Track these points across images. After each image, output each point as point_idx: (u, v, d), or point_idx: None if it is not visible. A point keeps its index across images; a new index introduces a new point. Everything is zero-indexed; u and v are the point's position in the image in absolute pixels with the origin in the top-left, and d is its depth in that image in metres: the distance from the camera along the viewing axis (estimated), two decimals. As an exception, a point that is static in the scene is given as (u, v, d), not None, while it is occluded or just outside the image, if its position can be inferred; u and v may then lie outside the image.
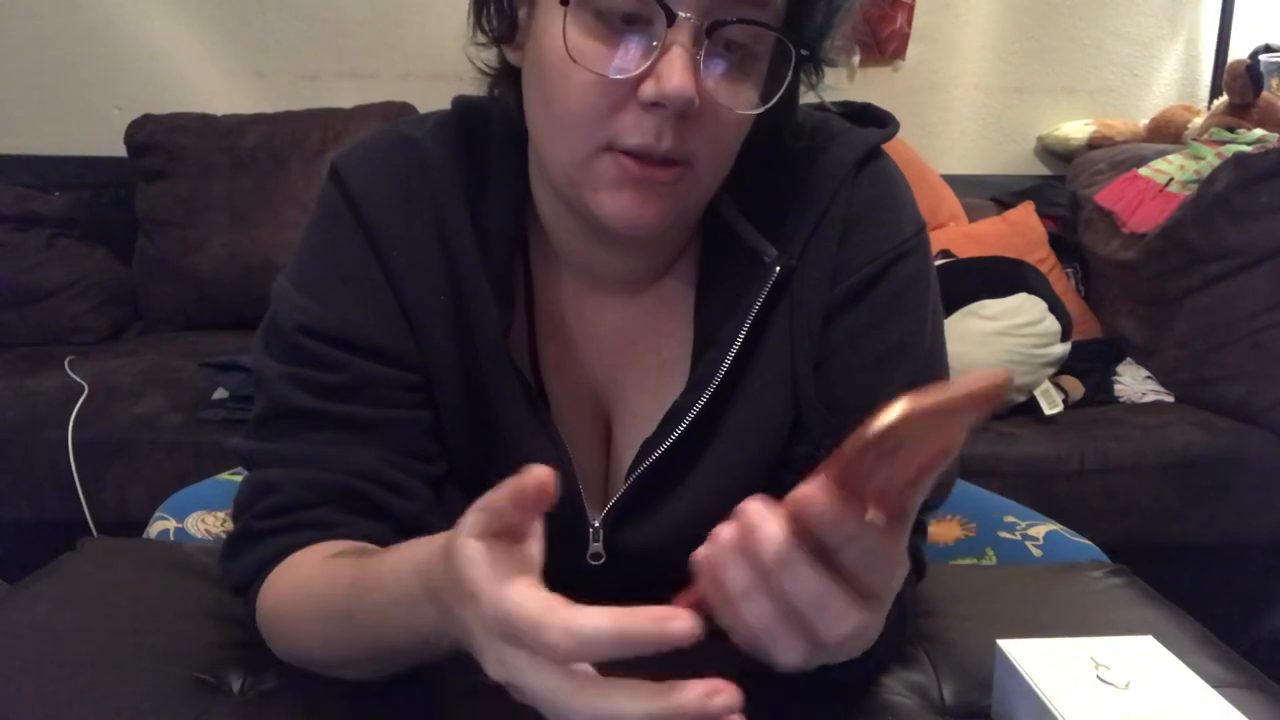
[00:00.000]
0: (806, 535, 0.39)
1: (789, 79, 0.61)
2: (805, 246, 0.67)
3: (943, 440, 0.37)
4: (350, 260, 0.66)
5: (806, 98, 0.67)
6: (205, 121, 2.25)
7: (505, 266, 0.67)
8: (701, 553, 0.42)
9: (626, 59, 0.57)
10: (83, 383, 1.79)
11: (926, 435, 0.36)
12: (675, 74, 0.55)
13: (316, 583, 0.58)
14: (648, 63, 0.56)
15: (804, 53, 0.60)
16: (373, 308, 0.66)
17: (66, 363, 1.89)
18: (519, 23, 0.62)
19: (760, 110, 0.61)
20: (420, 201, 0.67)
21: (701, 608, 0.41)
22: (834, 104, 0.73)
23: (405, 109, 2.27)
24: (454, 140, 0.68)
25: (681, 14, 0.55)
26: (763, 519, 0.40)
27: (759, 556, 0.39)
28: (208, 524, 0.98)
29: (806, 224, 0.67)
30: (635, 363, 0.71)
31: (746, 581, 0.40)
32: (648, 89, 0.56)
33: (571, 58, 0.56)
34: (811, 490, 0.38)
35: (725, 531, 0.41)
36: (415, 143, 0.68)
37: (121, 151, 2.25)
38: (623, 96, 0.57)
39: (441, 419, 0.68)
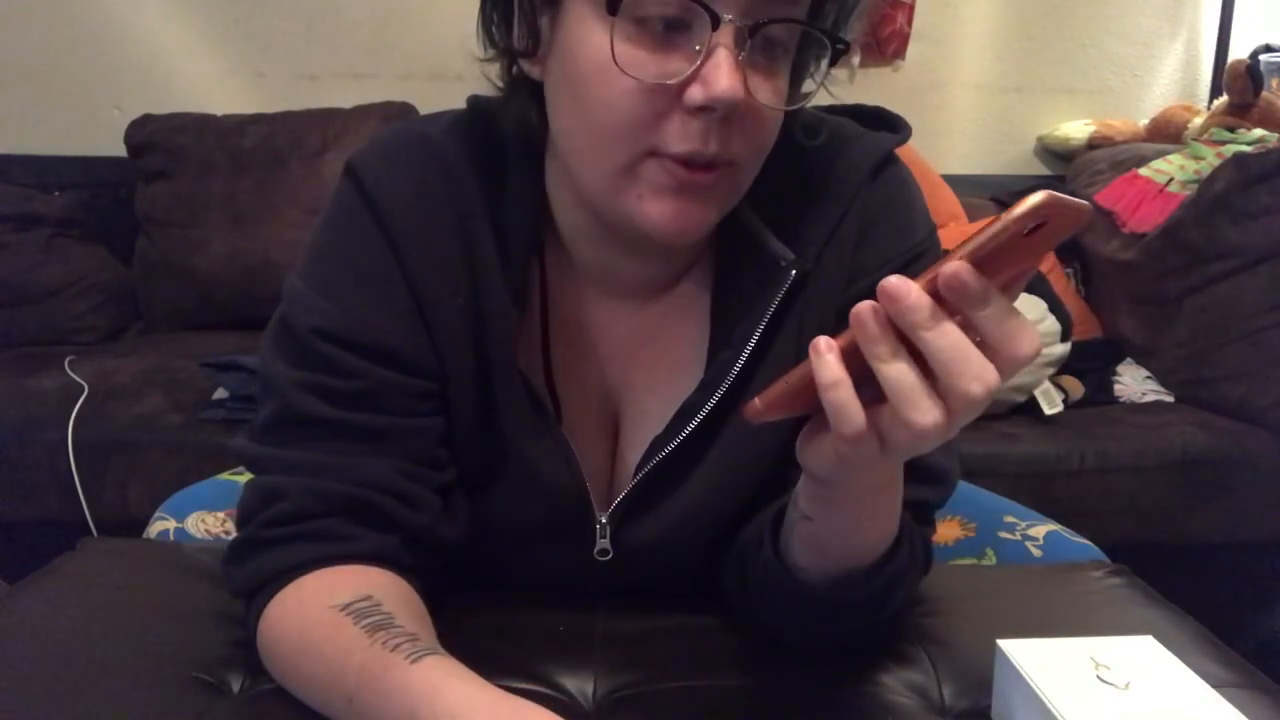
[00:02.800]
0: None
1: (822, 74, 0.62)
2: (822, 250, 0.68)
3: (1036, 253, 0.44)
4: (368, 260, 0.65)
5: (822, 99, 0.68)
6: (205, 121, 2.25)
7: (522, 269, 0.67)
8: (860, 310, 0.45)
9: (671, 65, 0.56)
10: (83, 383, 1.79)
11: (1035, 243, 0.43)
12: (723, 76, 0.55)
13: (325, 648, 0.57)
14: (691, 67, 0.56)
15: (840, 46, 0.60)
16: (391, 310, 0.65)
17: (66, 363, 1.89)
18: (541, 35, 0.62)
19: (797, 106, 0.62)
20: (438, 201, 0.66)
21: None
22: (846, 107, 0.73)
23: (405, 109, 2.27)
24: (471, 140, 0.68)
25: (725, 17, 0.55)
26: (907, 288, 0.43)
27: (909, 316, 0.43)
28: (208, 524, 0.98)
29: (824, 228, 0.68)
30: (646, 364, 0.72)
31: (892, 345, 0.44)
32: (695, 93, 0.56)
33: (620, 67, 0.56)
34: (952, 266, 0.42)
35: (864, 307, 0.44)
36: (432, 141, 0.68)
37: (121, 151, 2.25)
38: (667, 103, 0.57)
39: (452, 422, 0.68)
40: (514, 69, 0.65)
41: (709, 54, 0.56)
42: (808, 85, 0.64)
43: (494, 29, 0.63)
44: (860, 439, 0.46)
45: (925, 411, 0.44)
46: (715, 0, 0.55)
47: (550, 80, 0.63)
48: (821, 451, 0.50)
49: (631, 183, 0.60)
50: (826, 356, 0.45)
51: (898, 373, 0.44)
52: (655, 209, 0.60)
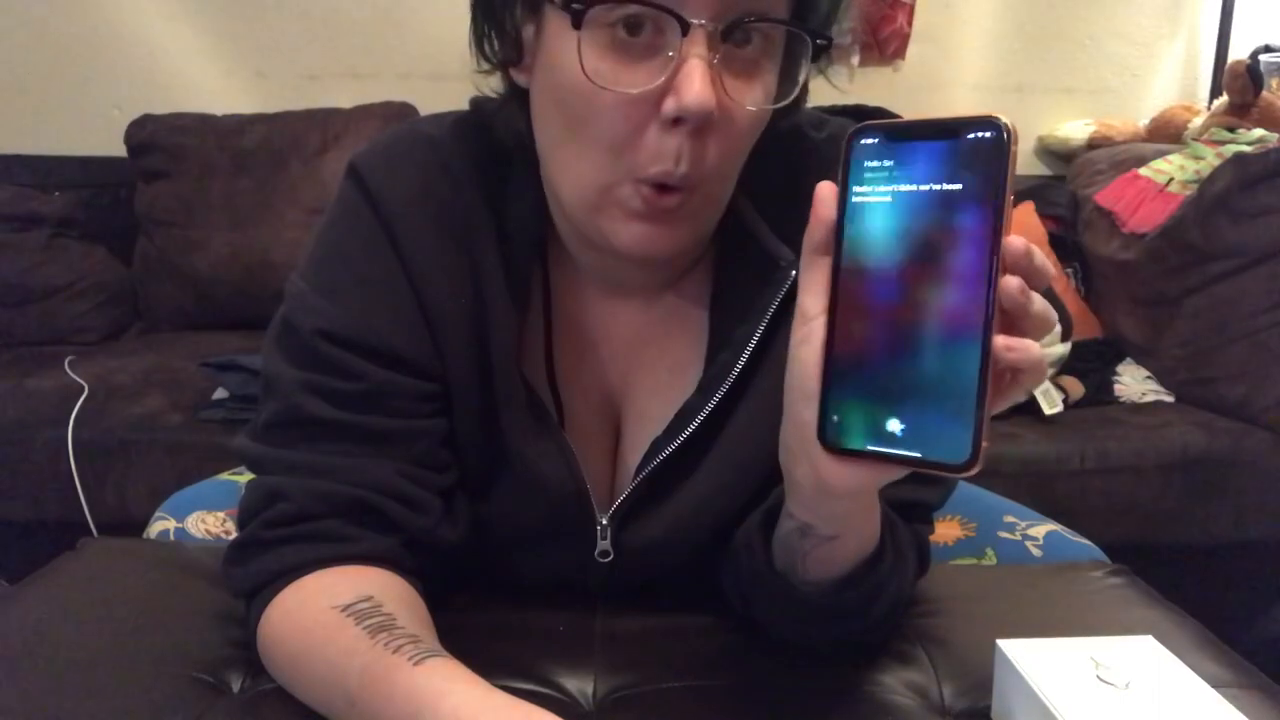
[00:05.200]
0: None
1: (806, 71, 0.61)
2: None
3: None
4: (371, 262, 0.65)
5: (820, 98, 0.67)
6: (205, 121, 2.25)
7: (525, 271, 0.67)
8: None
9: (644, 74, 0.56)
10: (83, 383, 1.79)
11: None
12: (695, 85, 0.55)
13: (326, 649, 0.56)
14: (664, 76, 0.56)
15: (820, 42, 0.59)
16: (394, 311, 0.65)
17: (66, 363, 1.89)
18: (525, 44, 0.61)
19: (779, 105, 0.61)
20: (441, 201, 0.66)
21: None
22: (847, 107, 0.73)
23: (405, 109, 2.27)
24: (474, 142, 0.68)
25: (695, 22, 0.55)
26: (1021, 240, 0.41)
27: (1034, 259, 0.41)
28: (208, 524, 0.98)
29: None
30: (647, 366, 0.72)
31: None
32: (669, 105, 0.56)
33: (590, 80, 0.56)
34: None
35: (1015, 241, 0.42)
36: (436, 142, 0.68)
37: (121, 151, 2.25)
38: (645, 115, 0.57)
39: (454, 424, 0.68)
40: (509, 77, 0.65)
41: (681, 62, 0.55)
42: (793, 83, 0.63)
43: (484, 40, 0.63)
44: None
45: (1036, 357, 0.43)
46: (685, 5, 0.54)
47: (534, 89, 0.63)
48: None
49: (609, 203, 0.60)
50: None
51: (1042, 306, 0.42)
52: (625, 232, 0.60)
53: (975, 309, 0.42)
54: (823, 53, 0.60)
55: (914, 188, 0.43)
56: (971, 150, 0.42)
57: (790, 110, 0.63)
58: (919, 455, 0.43)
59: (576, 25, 0.55)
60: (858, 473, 0.46)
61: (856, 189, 0.45)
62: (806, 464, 0.48)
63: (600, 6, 0.55)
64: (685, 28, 0.55)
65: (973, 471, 0.42)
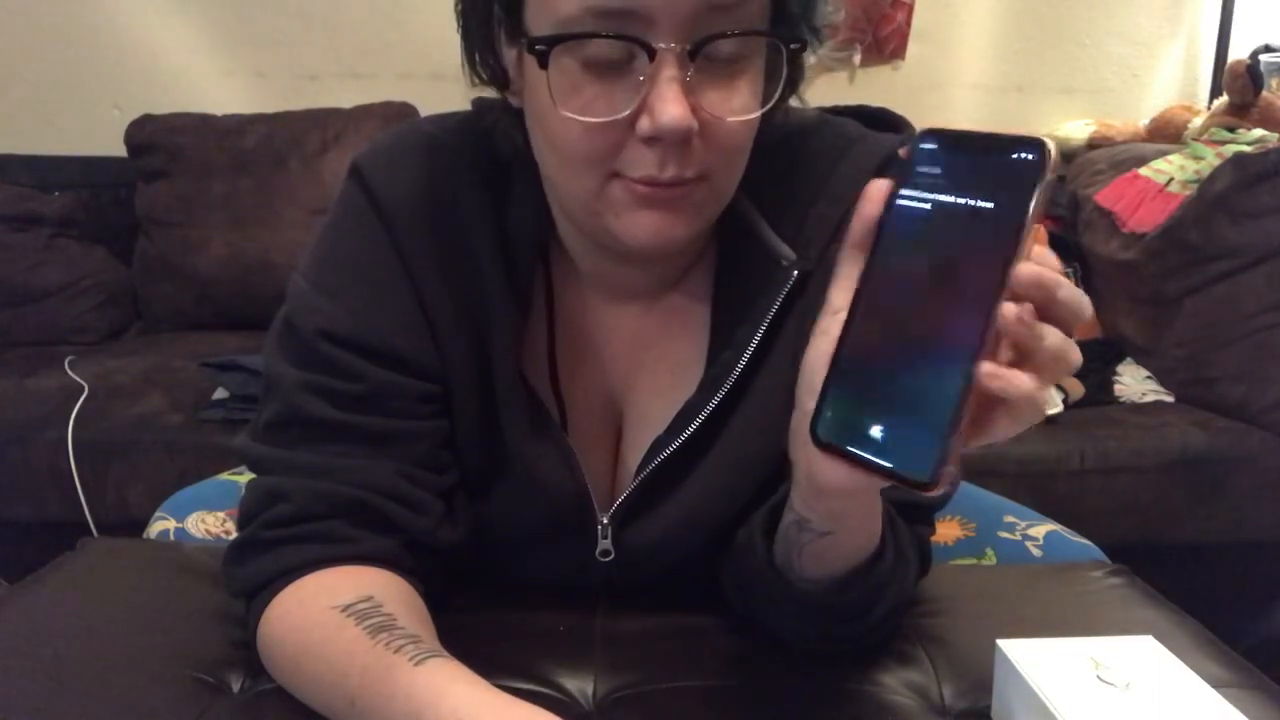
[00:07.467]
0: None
1: (785, 74, 0.61)
2: (824, 250, 0.67)
3: None
4: (373, 262, 0.66)
5: (823, 99, 0.67)
6: (205, 121, 2.25)
7: (527, 275, 0.67)
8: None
9: (617, 100, 0.56)
10: (83, 383, 1.79)
11: None
12: (668, 106, 0.55)
13: (326, 649, 0.57)
14: (639, 98, 0.56)
15: (794, 46, 0.59)
16: (395, 312, 0.65)
17: (66, 363, 1.89)
18: (510, 70, 0.62)
19: (760, 112, 0.60)
20: (444, 204, 0.66)
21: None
22: (849, 107, 0.73)
23: (405, 109, 2.27)
24: (477, 144, 0.68)
25: (661, 46, 0.54)
26: (1047, 270, 0.40)
27: (1057, 293, 0.40)
28: (208, 524, 0.98)
29: (826, 229, 0.67)
30: (648, 367, 0.72)
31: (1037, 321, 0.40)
32: (643, 125, 0.56)
33: (563, 113, 0.56)
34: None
35: (1026, 268, 0.40)
36: (438, 143, 0.68)
37: (121, 151, 2.26)
38: (621, 134, 0.57)
39: (455, 425, 0.68)
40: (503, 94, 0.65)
41: (652, 85, 0.55)
42: (777, 83, 0.62)
43: (474, 64, 0.64)
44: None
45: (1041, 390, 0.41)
46: (650, 30, 0.54)
47: (525, 111, 0.63)
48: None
49: (605, 204, 0.60)
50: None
51: (1054, 341, 0.41)
52: (630, 225, 0.60)
53: (970, 330, 0.41)
54: (797, 54, 0.60)
55: (951, 199, 0.43)
56: (1007, 169, 0.41)
57: (785, 107, 0.63)
58: (890, 465, 0.43)
59: (543, 66, 0.56)
60: (843, 472, 0.46)
61: (904, 191, 0.45)
62: (803, 455, 0.49)
63: (566, 43, 0.55)
64: (652, 54, 0.55)
65: (933, 492, 0.42)
